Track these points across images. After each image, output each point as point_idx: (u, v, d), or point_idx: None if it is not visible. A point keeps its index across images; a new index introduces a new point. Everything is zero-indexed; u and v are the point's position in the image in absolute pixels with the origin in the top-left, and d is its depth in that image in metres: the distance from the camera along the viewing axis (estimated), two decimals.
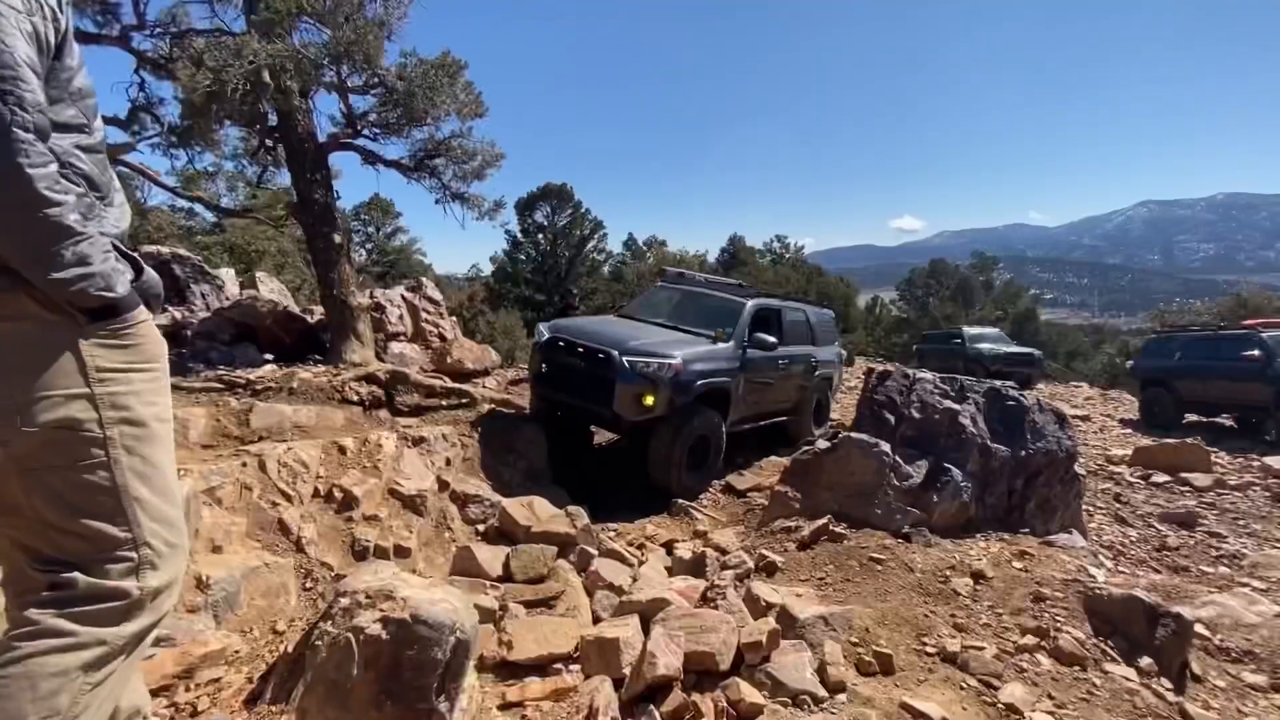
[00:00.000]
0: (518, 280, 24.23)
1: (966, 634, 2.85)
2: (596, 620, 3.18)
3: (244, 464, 3.51)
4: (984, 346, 18.40)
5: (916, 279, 29.51)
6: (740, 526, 4.98)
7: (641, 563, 4.04)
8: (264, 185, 8.73)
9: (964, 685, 2.47)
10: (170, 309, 7.60)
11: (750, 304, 6.51)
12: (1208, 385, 10.80)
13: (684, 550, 4.17)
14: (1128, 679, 2.60)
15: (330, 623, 1.62)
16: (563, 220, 24.51)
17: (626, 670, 2.54)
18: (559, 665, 2.64)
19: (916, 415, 4.26)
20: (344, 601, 1.67)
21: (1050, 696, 2.46)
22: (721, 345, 5.85)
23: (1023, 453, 4.12)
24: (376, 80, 6.51)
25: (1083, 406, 14.21)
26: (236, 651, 2.10)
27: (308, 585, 3.19)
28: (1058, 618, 2.96)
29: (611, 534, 4.49)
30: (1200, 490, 6.83)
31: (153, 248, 8.70)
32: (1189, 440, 7.97)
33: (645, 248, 31.44)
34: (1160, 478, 7.23)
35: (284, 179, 9.15)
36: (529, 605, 3.19)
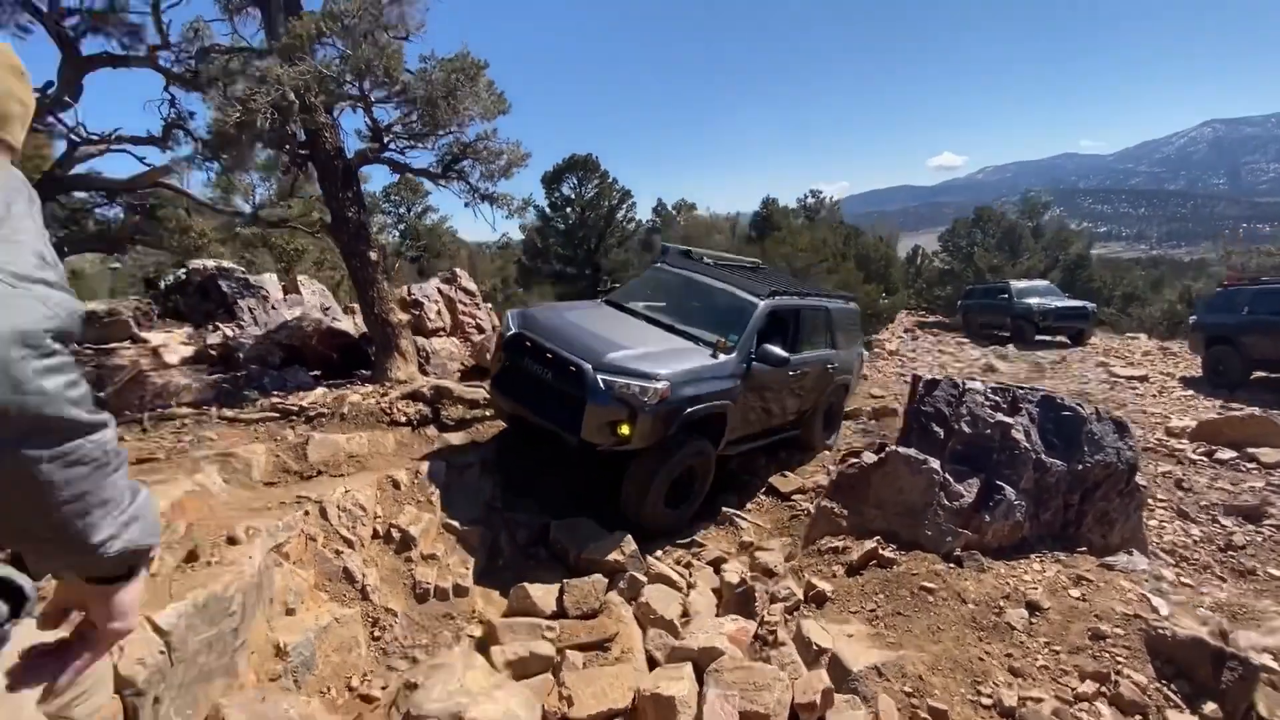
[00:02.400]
0: (548, 255, 24.18)
1: (1023, 679, 2.83)
2: (651, 662, 3.27)
3: (306, 512, 3.67)
4: (1033, 301, 17.69)
5: (959, 228, 28.31)
6: (785, 537, 5.01)
7: (691, 586, 4.12)
8: (297, 195, 8.83)
9: None
10: (221, 326, 7.87)
11: (763, 305, 5.46)
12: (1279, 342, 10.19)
13: (731, 572, 4.23)
14: None
15: None
16: (590, 192, 24.19)
17: None
18: None
19: (967, 430, 4.16)
20: None
21: None
22: (723, 358, 4.89)
23: (1079, 466, 3.99)
24: (399, 91, 6.45)
25: (1140, 364, 13.65)
26: None
27: (375, 634, 3.36)
28: (1118, 658, 2.91)
29: (658, 555, 4.57)
30: (1269, 468, 6.55)
31: (199, 263, 8.97)
32: (1256, 412, 7.58)
33: (674, 212, 30.91)
34: (1225, 454, 6.95)
35: (317, 189, 9.27)
36: (584, 649, 3.31)
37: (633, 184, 24.86)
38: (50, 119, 7.58)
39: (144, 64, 7.84)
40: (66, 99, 7.43)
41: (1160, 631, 2.95)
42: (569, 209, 24.26)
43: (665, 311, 5.78)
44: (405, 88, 6.47)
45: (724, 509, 5.37)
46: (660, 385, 4.28)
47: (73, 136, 7.90)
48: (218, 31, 7.91)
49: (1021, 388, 4.34)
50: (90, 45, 7.67)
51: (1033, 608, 3.29)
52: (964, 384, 4.39)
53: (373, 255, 6.53)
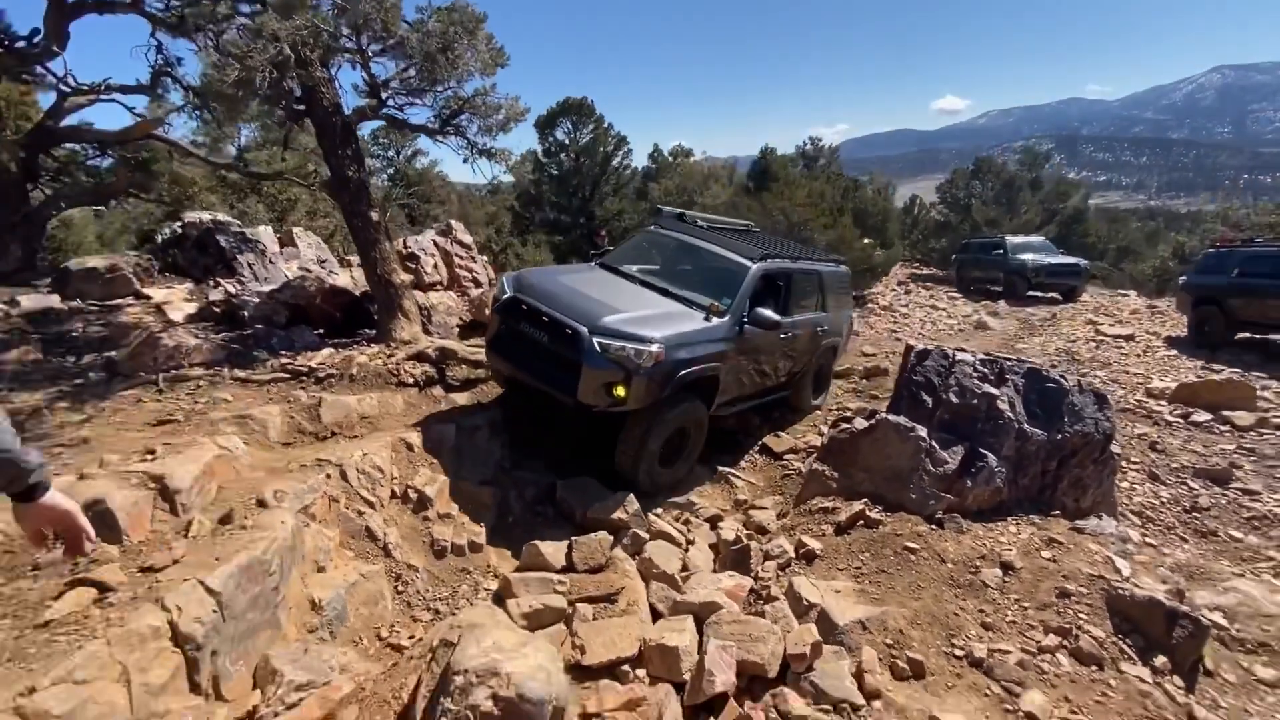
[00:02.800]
0: (542, 202, 23.84)
1: (994, 633, 3.13)
2: (655, 614, 3.55)
3: (328, 476, 3.87)
4: (1027, 257, 17.78)
5: (958, 179, 28.03)
6: (778, 495, 5.29)
7: (690, 542, 4.40)
8: (291, 148, 8.70)
9: (988, 691, 2.78)
10: (222, 282, 7.90)
11: (755, 269, 5.51)
12: (1267, 305, 10.37)
13: (728, 529, 4.50)
14: (1142, 679, 2.88)
15: (450, 699, 1.96)
16: (585, 137, 23.65)
17: (687, 675, 2.92)
18: (626, 667, 3.02)
19: (955, 400, 4.37)
20: (459, 680, 2.00)
21: (1067, 699, 2.76)
22: (716, 321, 5.02)
23: (1059, 435, 4.23)
24: (396, 45, 6.30)
25: (1128, 322, 13.89)
26: (363, 689, 2.50)
27: (399, 589, 3.62)
28: (1080, 615, 3.21)
29: (657, 512, 4.83)
30: (1241, 430, 6.85)
31: (194, 216, 8.89)
32: (1234, 376, 7.86)
33: (671, 158, 30.32)
34: (1201, 416, 7.24)
35: (310, 140, 9.11)
36: (593, 601, 3.57)
37: (628, 129, 24.33)
38: (39, 69, 7.37)
39: (129, 9, 7.55)
40: (54, 48, 7.21)
41: (1120, 591, 3.24)
42: (563, 155, 23.78)
43: (659, 275, 5.87)
44: (402, 41, 6.33)
45: (720, 468, 5.63)
46: (654, 348, 4.39)
47: (61, 87, 7.70)
48: None
49: (1009, 359, 4.53)
50: None
51: (1006, 567, 3.58)
52: (954, 355, 4.57)
53: (374, 215, 6.53)
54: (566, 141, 23.84)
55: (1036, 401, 4.34)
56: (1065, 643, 3.05)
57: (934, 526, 3.97)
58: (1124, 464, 5.66)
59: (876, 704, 2.70)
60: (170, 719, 2.17)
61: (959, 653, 3.00)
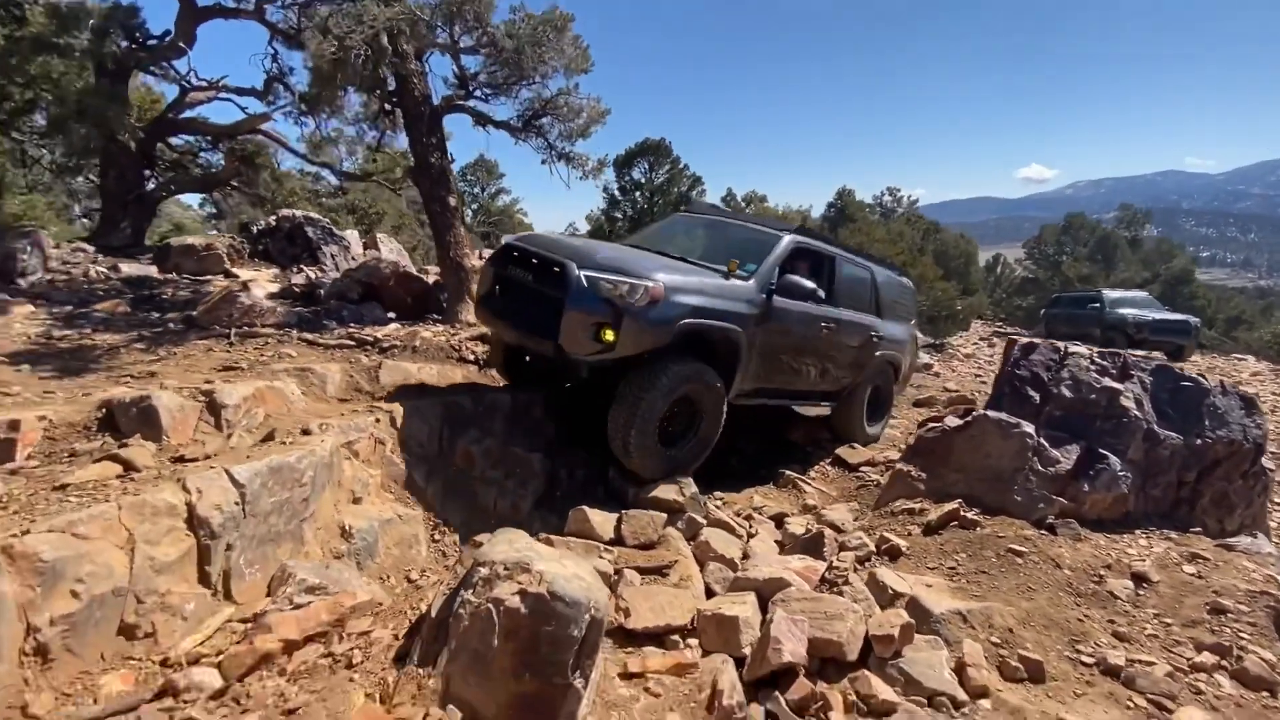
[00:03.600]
0: (613, 239, 24.27)
1: (1130, 645, 2.55)
2: (710, 593, 3.13)
3: (377, 420, 3.72)
4: (1127, 312, 16.42)
5: (1047, 236, 26.68)
6: (853, 503, 4.75)
7: (751, 535, 3.95)
8: (383, 149, 9.12)
9: (1131, 704, 2.21)
10: (305, 268, 8.21)
11: (788, 239, 4.86)
12: None
13: (795, 525, 4.03)
14: None
15: (471, 591, 1.66)
16: (661, 177, 24.08)
17: (746, 650, 2.48)
18: (675, 637, 2.62)
19: (1068, 394, 3.81)
20: (483, 571, 1.71)
21: None
22: (736, 282, 4.32)
23: (1198, 441, 3.59)
24: (487, 39, 6.51)
25: (1249, 383, 12.48)
26: (380, 604, 2.23)
27: (436, 537, 3.36)
28: (1241, 634, 2.58)
29: (718, 503, 4.42)
30: None
31: (288, 212, 9.39)
32: None
33: (744, 204, 30.47)
34: None
35: (401, 143, 9.56)
36: (642, 572, 3.19)
37: (704, 172, 24.60)
38: (166, 64, 8.10)
39: (252, 16, 8.23)
40: (181, 44, 7.91)
41: None
42: (638, 193, 24.24)
43: (684, 250, 5.20)
44: (493, 37, 6.53)
45: (786, 472, 5.16)
46: (650, 283, 3.73)
47: (184, 83, 8.41)
48: None
49: (1135, 354, 3.95)
50: None
51: (1139, 579, 2.97)
52: (1066, 347, 4.04)
53: (452, 201, 6.63)
54: (642, 181, 24.33)
55: (1168, 401, 3.73)
56: (1225, 662, 2.44)
57: (1044, 532, 3.39)
58: (1271, 506, 4.81)
59: (984, 703, 2.19)
60: (170, 600, 1.96)
61: (1087, 659, 2.43)
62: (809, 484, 5.13)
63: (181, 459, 2.46)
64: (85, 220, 14.03)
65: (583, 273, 3.75)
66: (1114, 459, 3.54)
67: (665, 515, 3.82)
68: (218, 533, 2.16)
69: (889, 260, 7.11)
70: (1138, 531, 3.42)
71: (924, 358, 13.13)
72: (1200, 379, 3.78)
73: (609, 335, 3.68)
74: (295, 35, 8.29)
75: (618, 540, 3.58)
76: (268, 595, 2.29)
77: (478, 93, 6.92)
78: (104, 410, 2.80)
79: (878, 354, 5.81)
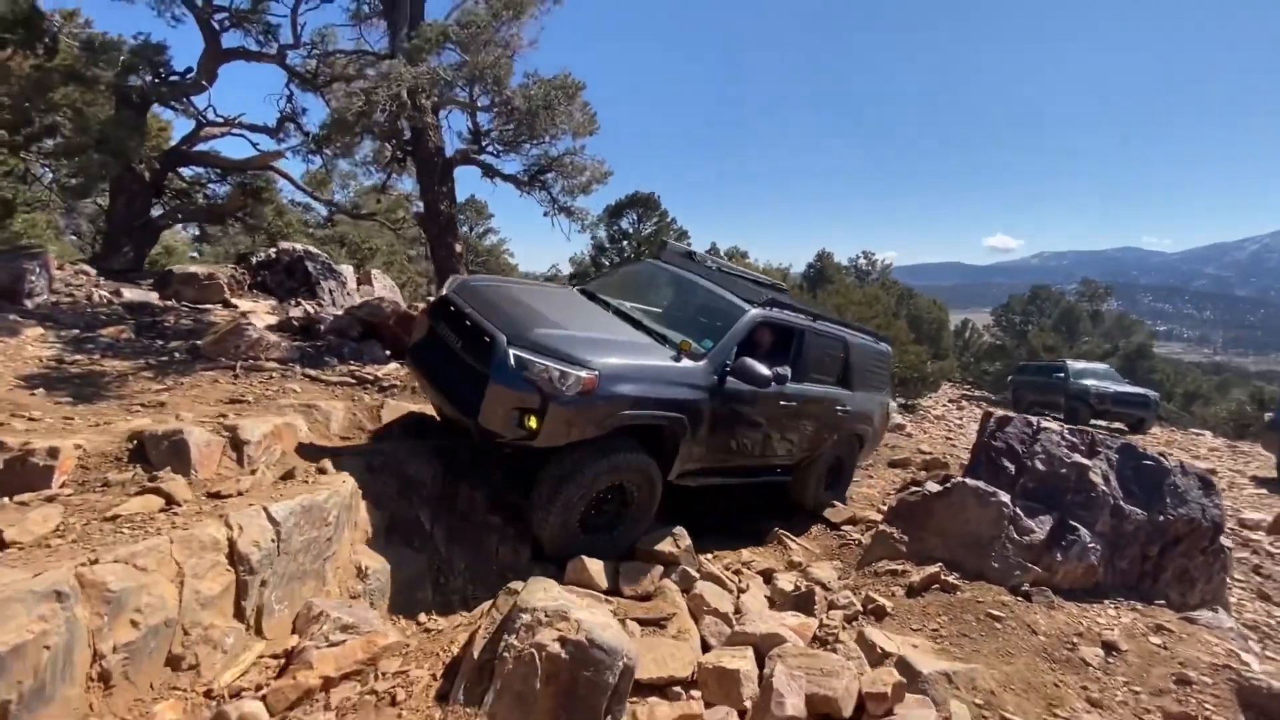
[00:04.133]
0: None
1: (1103, 711, 2.73)
2: (706, 646, 3.24)
3: (384, 460, 3.82)
4: (1090, 383, 17.14)
5: (1014, 305, 27.87)
6: (837, 561, 4.91)
7: (742, 590, 4.08)
8: (388, 190, 9.39)
9: None
10: (303, 302, 8.30)
11: (752, 313, 4.51)
12: None
13: (784, 582, 4.18)
14: None
15: (514, 636, 1.79)
16: (648, 228, 24.79)
17: (748, 704, 2.61)
18: (678, 689, 2.73)
19: (1040, 467, 4.09)
20: (525, 617, 1.84)
21: None
22: (687, 364, 4.01)
23: (1160, 517, 3.87)
24: (503, 100, 6.89)
25: (1207, 458, 13.03)
26: (406, 645, 2.32)
27: (440, 581, 3.44)
28: (1206, 705, 2.78)
29: (708, 556, 4.54)
30: None
31: (289, 245, 9.53)
32: None
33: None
34: None
35: (403, 186, 9.85)
36: (642, 623, 3.30)
37: (690, 225, 25.39)
38: (185, 100, 8.33)
39: (273, 60, 8.56)
40: (203, 82, 8.16)
41: (1254, 683, 2.81)
42: (625, 242, 24.84)
43: (642, 308, 5.00)
44: (509, 99, 6.91)
45: (775, 529, 5.32)
46: (584, 373, 3.40)
47: (201, 118, 8.64)
48: (342, 36, 8.62)
49: (1101, 432, 4.26)
50: (230, 39, 8.48)
51: (1109, 647, 3.17)
52: (1038, 423, 4.34)
53: (458, 247, 6.87)
54: (630, 231, 24.99)
55: (1133, 478, 4.02)
56: None
57: (1020, 598, 3.59)
58: (1228, 580, 5.10)
59: None
60: (211, 633, 2.04)
61: None
62: (794, 540, 5.29)
63: (217, 494, 2.55)
64: (74, 237, 13.95)
65: (513, 350, 3.44)
66: (1084, 531, 3.79)
67: (661, 567, 3.95)
68: (255, 569, 2.25)
69: (864, 326, 6.68)
70: (1106, 601, 3.64)
71: (897, 418, 13.53)
72: (1161, 458, 4.08)
73: (532, 423, 3.37)
74: (312, 79, 8.63)
75: (615, 590, 3.69)
76: (293, 632, 2.37)
77: (490, 148, 7.26)
78: (134, 441, 2.88)
79: (844, 428, 5.53)
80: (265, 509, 2.40)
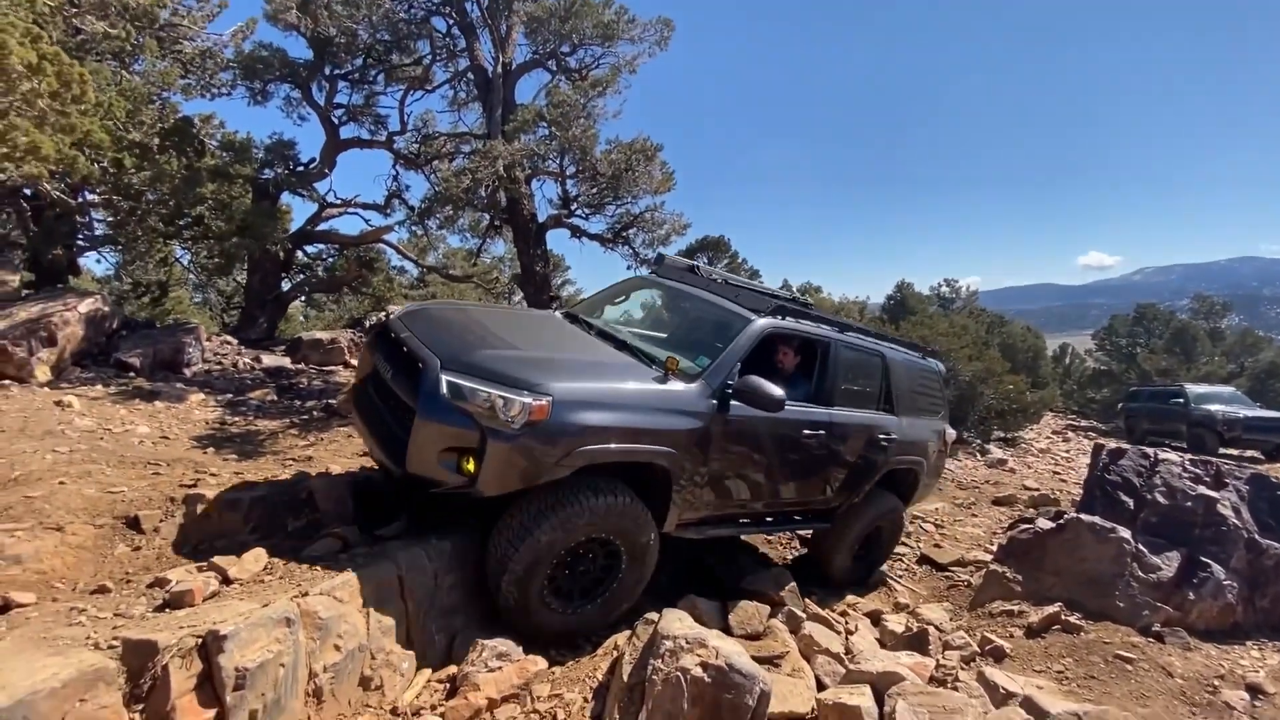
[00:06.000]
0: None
1: None
2: (820, 685, 3.31)
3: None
4: (1216, 408, 15.70)
5: (1118, 326, 26.05)
6: (946, 603, 4.82)
7: (850, 631, 4.10)
8: (484, 254, 10.21)
9: None
10: None
11: (759, 323, 3.71)
12: None
13: (894, 623, 4.16)
14: None
15: (660, 660, 2.00)
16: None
17: None
18: None
19: (1162, 501, 3.93)
20: (668, 644, 2.05)
21: None
22: (675, 386, 3.24)
23: None
24: (588, 166, 7.47)
25: None
26: (552, 672, 2.57)
27: None
28: None
29: (811, 599, 4.58)
30: None
31: (397, 308, 10.47)
32: None
33: (800, 294, 31.06)
34: None
35: (497, 250, 10.66)
36: (756, 661, 3.41)
37: (758, 263, 25.51)
38: (310, 187, 9.48)
39: (383, 146, 9.62)
40: (325, 170, 9.29)
41: None
42: None
43: (633, 328, 4.38)
44: (594, 165, 7.48)
45: (879, 570, 5.27)
46: (532, 400, 2.68)
47: (322, 201, 9.79)
48: (441, 119, 9.61)
49: (1226, 462, 4.06)
50: (346, 131, 9.63)
51: (1255, 691, 3.01)
52: (1156, 454, 4.18)
53: (553, 307, 7.39)
54: None
55: (1268, 511, 3.80)
56: None
57: (1151, 639, 3.45)
58: None
59: None
60: (391, 658, 2.37)
61: None
62: (900, 582, 5.22)
63: (380, 538, 2.94)
64: (207, 309, 15.77)
65: (445, 375, 2.75)
66: (1217, 567, 3.61)
67: (768, 608, 4.05)
68: (420, 603, 2.59)
69: (908, 339, 5.76)
70: (1249, 642, 3.44)
71: (996, 453, 12.90)
72: None
73: (470, 465, 2.66)
74: (415, 159, 9.63)
75: (724, 629, 3.82)
76: (449, 660, 2.67)
77: (578, 211, 7.83)
78: (306, 493, 3.35)
79: (888, 460, 4.53)
80: (423, 550, 2.75)
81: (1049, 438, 18.30)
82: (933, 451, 5.13)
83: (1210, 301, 26.83)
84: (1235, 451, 15.55)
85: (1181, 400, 16.56)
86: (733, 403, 3.35)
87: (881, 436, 4.45)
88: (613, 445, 2.93)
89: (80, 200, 7.39)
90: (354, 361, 8.37)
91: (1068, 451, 15.49)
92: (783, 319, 3.89)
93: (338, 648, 2.17)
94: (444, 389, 2.70)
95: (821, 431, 3.99)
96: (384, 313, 10.30)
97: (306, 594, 2.20)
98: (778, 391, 3.28)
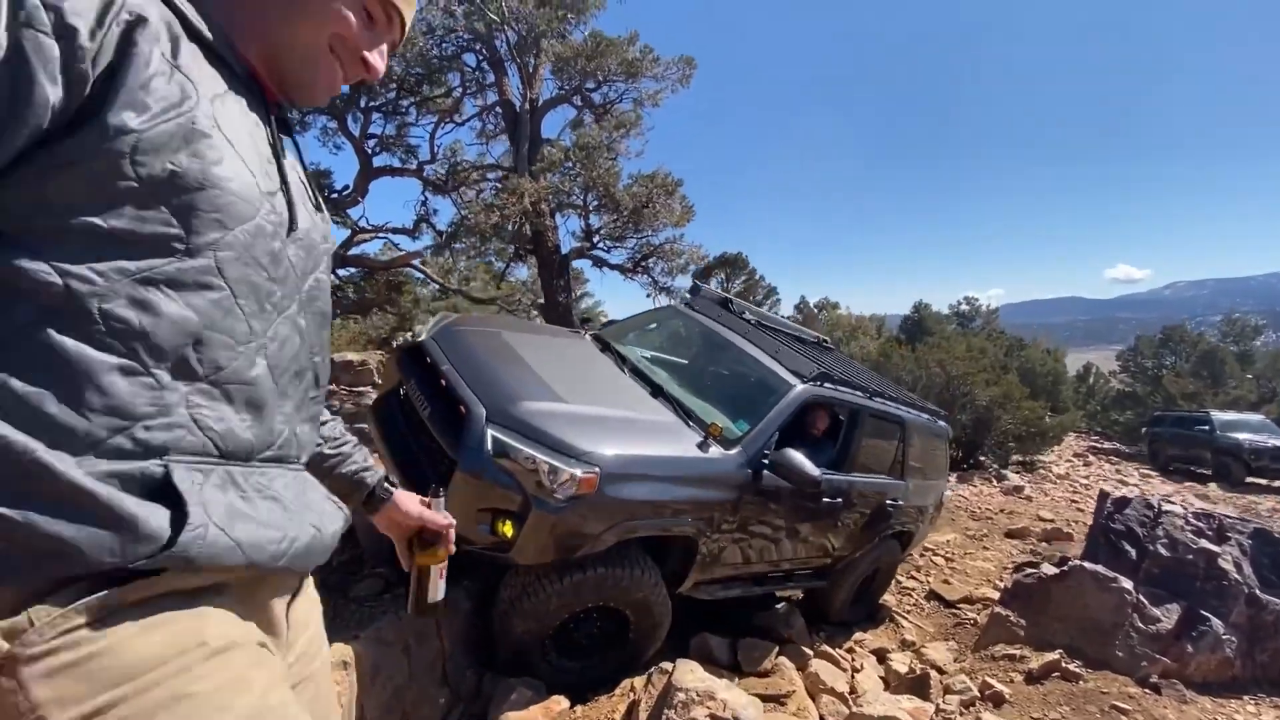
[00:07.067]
0: None
1: None
2: None
3: None
4: (1243, 437, 15.47)
5: (1144, 347, 25.70)
6: (951, 642, 4.95)
7: (856, 670, 4.27)
8: (506, 278, 10.55)
9: None
10: None
11: (800, 389, 3.64)
12: None
13: (898, 663, 4.32)
14: None
15: (674, 711, 2.21)
16: (737, 287, 25.31)
17: None
18: None
19: (1164, 553, 4.05)
20: (680, 695, 2.26)
21: None
22: (716, 452, 3.16)
23: None
24: (611, 200, 7.76)
25: None
26: (574, 712, 2.79)
27: None
28: None
29: (819, 634, 4.75)
30: None
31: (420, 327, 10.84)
32: None
33: (816, 310, 31.10)
34: None
35: (519, 274, 11.00)
36: (763, 699, 3.60)
37: (775, 278, 25.70)
38: (344, 214, 9.91)
39: (414, 175, 10.01)
40: (358, 197, 9.71)
41: None
42: None
43: (666, 367, 4.25)
44: (616, 199, 7.76)
45: (884, 603, 5.42)
46: (581, 473, 2.55)
47: (355, 227, 10.21)
48: (469, 149, 10.00)
49: (1229, 516, 4.17)
50: (379, 159, 10.04)
51: None
52: (1159, 504, 4.30)
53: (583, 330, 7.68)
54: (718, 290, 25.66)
55: (1270, 566, 3.90)
56: None
57: (1148, 690, 3.57)
58: None
59: None
60: (429, 694, 2.61)
61: None
62: (906, 618, 5.36)
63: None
64: None
65: (491, 430, 2.60)
66: (1216, 621, 3.72)
67: (776, 645, 4.23)
68: (454, 641, 2.83)
69: (924, 403, 5.77)
70: (1245, 697, 3.54)
71: (1013, 479, 12.86)
72: None
73: (507, 529, 2.57)
74: (443, 185, 10.02)
75: (734, 666, 4.01)
76: (479, 695, 2.91)
77: (600, 243, 8.11)
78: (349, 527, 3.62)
79: (890, 525, 4.66)
80: (462, 590, 2.99)
81: (1069, 460, 18.14)
82: (929, 514, 5.47)
83: (1240, 323, 26.36)
84: (1264, 481, 15.30)
85: (1206, 427, 16.35)
86: (766, 474, 3.30)
87: (889, 502, 4.55)
88: (653, 521, 2.87)
89: None
90: (378, 381, 8.71)
91: (1087, 478, 15.35)
92: (823, 386, 3.83)
93: (385, 687, 2.41)
94: (489, 445, 2.56)
95: (839, 500, 4.00)
96: (409, 333, 10.68)
97: (358, 636, 2.45)
98: (815, 471, 3.23)
